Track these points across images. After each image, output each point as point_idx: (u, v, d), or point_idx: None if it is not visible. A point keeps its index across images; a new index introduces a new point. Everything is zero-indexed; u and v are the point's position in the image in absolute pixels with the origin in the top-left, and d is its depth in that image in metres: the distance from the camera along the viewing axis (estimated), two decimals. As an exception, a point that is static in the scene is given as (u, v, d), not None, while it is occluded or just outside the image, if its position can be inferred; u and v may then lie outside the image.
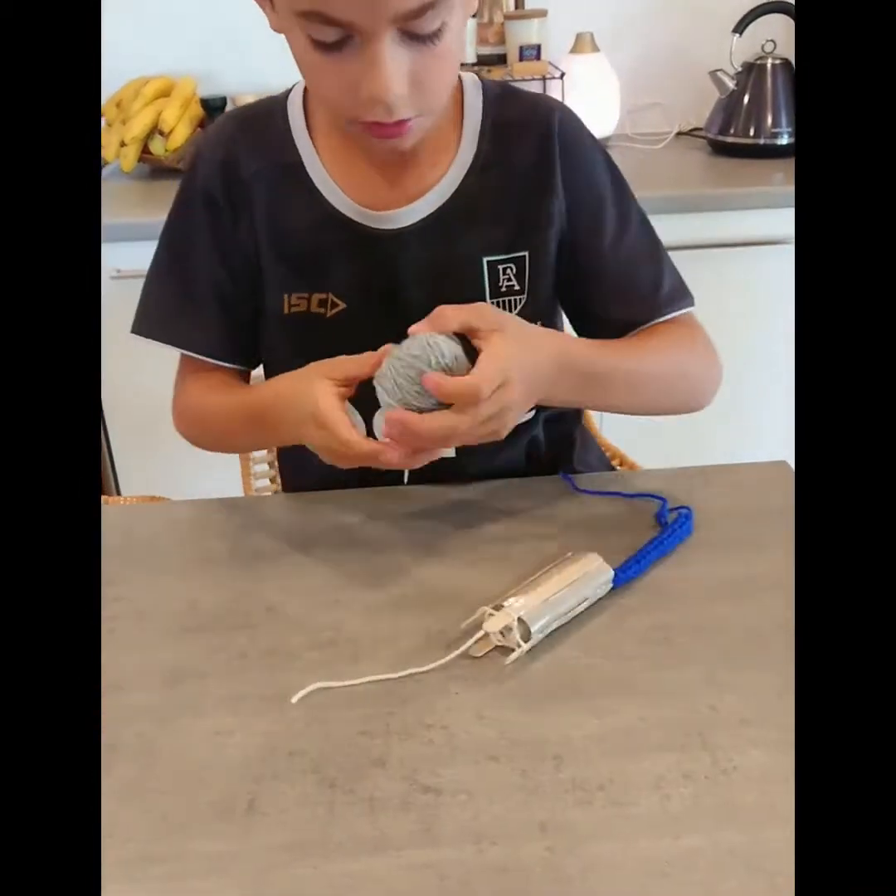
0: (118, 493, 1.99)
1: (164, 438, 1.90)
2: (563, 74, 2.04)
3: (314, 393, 0.80)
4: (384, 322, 0.93)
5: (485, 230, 0.93)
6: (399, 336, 0.93)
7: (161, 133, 1.98)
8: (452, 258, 0.93)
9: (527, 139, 0.93)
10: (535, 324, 0.94)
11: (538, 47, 2.05)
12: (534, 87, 2.13)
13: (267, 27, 0.82)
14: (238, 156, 0.93)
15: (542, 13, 2.06)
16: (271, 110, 0.95)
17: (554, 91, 2.09)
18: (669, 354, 0.95)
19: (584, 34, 2.08)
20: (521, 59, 2.05)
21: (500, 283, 0.94)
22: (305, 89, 0.95)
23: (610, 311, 0.97)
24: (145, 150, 2.01)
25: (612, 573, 0.80)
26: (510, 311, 0.95)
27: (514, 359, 0.78)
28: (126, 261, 1.80)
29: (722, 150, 2.07)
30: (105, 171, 2.14)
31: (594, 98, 2.11)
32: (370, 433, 0.99)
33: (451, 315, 0.78)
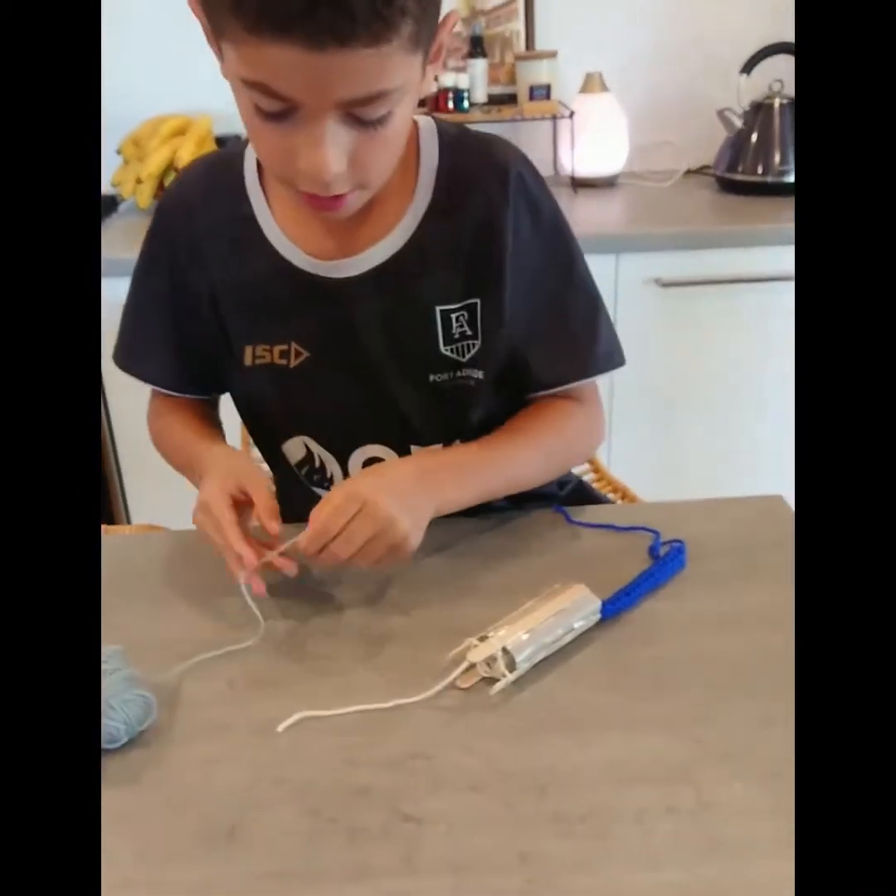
0: (128, 521, 2.01)
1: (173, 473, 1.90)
2: (572, 113, 2.07)
3: (209, 488, 0.85)
4: (348, 369, 0.96)
5: (437, 278, 0.93)
6: (362, 382, 0.96)
7: (176, 170, 2.01)
8: (405, 306, 0.93)
9: (481, 188, 0.91)
10: (488, 370, 0.96)
11: (548, 87, 2.08)
12: (545, 126, 2.16)
13: None
14: (194, 206, 0.95)
15: (552, 54, 2.09)
16: (230, 160, 0.96)
17: (564, 129, 2.12)
18: (540, 436, 0.97)
19: (593, 74, 2.11)
20: (531, 99, 2.08)
21: (453, 331, 0.94)
22: None
23: (538, 363, 0.97)
24: (161, 186, 2.04)
25: (599, 604, 0.80)
26: (464, 355, 0.95)
27: (360, 482, 0.83)
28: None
29: (730, 187, 2.08)
30: (121, 208, 2.18)
31: (603, 136, 2.13)
32: (345, 474, 1.02)
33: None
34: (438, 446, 1.00)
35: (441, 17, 0.78)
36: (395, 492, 0.82)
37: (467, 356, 0.95)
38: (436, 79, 0.97)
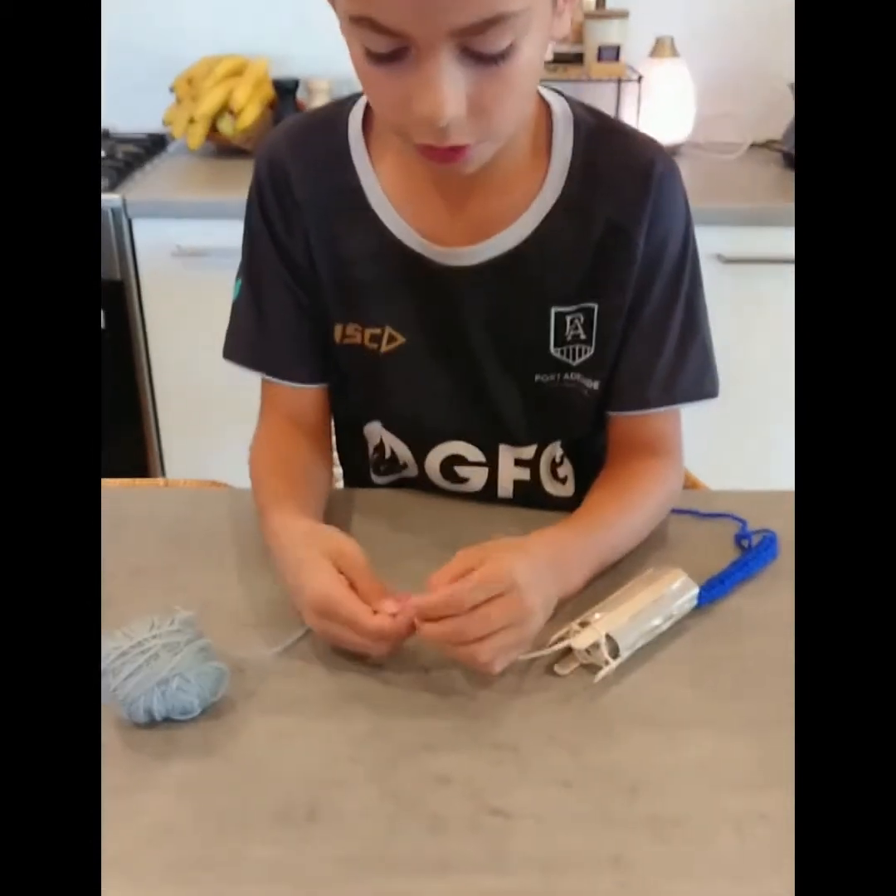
0: (163, 474, 1.98)
1: (213, 424, 1.90)
2: (640, 78, 2.00)
3: (318, 582, 0.72)
4: (444, 359, 0.90)
5: (557, 278, 0.86)
6: (458, 374, 0.90)
7: (231, 112, 1.96)
8: (519, 303, 0.87)
9: (618, 186, 0.84)
10: (600, 377, 0.90)
11: (617, 48, 2.01)
12: (610, 89, 2.10)
13: None
14: (290, 177, 0.87)
15: (623, 14, 2.02)
16: (332, 123, 0.88)
17: (630, 94, 2.06)
18: (644, 505, 0.89)
19: (664, 38, 2.04)
20: (599, 60, 2.01)
21: (567, 333, 0.88)
22: (367, 106, 0.87)
23: (619, 381, 0.91)
24: (213, 128, 1.99)
25: (696, 591, 0.77)
26: (574, 359, 0.89)
27: (515, 564, 0.71)
28: (186, 238, 1.79)
29: (797, 164, 2.02)
30: (171, 148, 2.13)
31: (670, 104, 2.07)
32: (421, 468, 0.96)
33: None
34: (533, 448, 0.95)
35: None
36: (540, 580, 0.72)
37: (577, 361, 0.89)
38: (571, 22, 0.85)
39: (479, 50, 0.66)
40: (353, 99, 0.89)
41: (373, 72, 0.70)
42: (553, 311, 0.87)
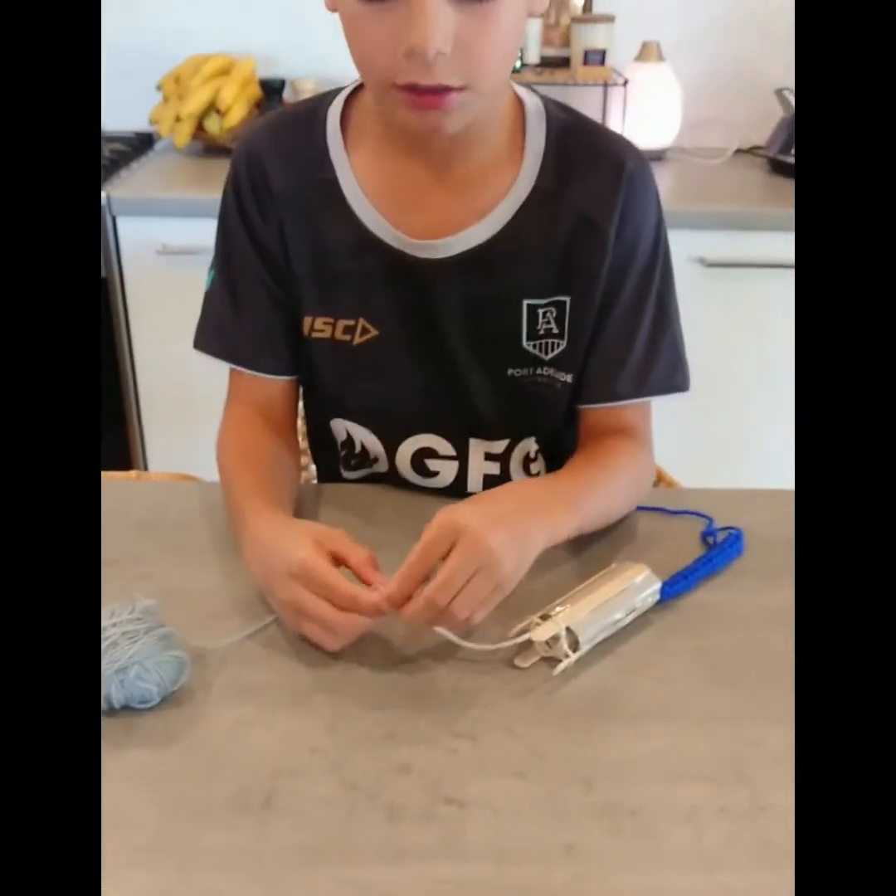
0: (145, 468, 1.98)
1: (194, 417, 1.89)
2: (626, 81, 2.01)
3: (297, 550, 0.72)
4: (418, 352, 0.91)
5: (529, 271, 0.87)
6: (431, 367, 0.90)
7: (217, 111, 1.96)
8: (492, 296, 0.88)
9: (589, 180, 0.85)
10: (572, 371, 0.91)
11: (603, 52, 2.02)
12: (596, 92, 2.11)
13: (328, 13, 0.78)
14: (267, 169, 0.88)
15: (609, 18, 2.03)
16: (310, 118, 0.89)
17: (616, 97, 2.06)
18: (620, 473, 0.89)
19: (650, 43, 2.05)
20: (585, 63, 2.02)
21: (539, 327, 0.89)
22: (346, 101, 0.89)
23: (590, 374, 0.91)
24: (200, 127, 1.99)
25: (659, 585, 0.77)
26: (547, 353, 0.90)
27: (461, 511, 0.71)
28: (172, 236, 1.80)
29: (782, 169, 2.03)
30: (158, 146, 2.13)
31: (656, 108, 2.07)
32: (391, 462, 0.96)
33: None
34: (504, 443, 0.95)
35: None
36: (497, 520, 0.71)
37: (550, 355, 0.90)
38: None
39: None
40: (331, 95, 0.90)
41: (364, 12, 0.72)
42: (525, 303, 0.88)
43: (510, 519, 0.73)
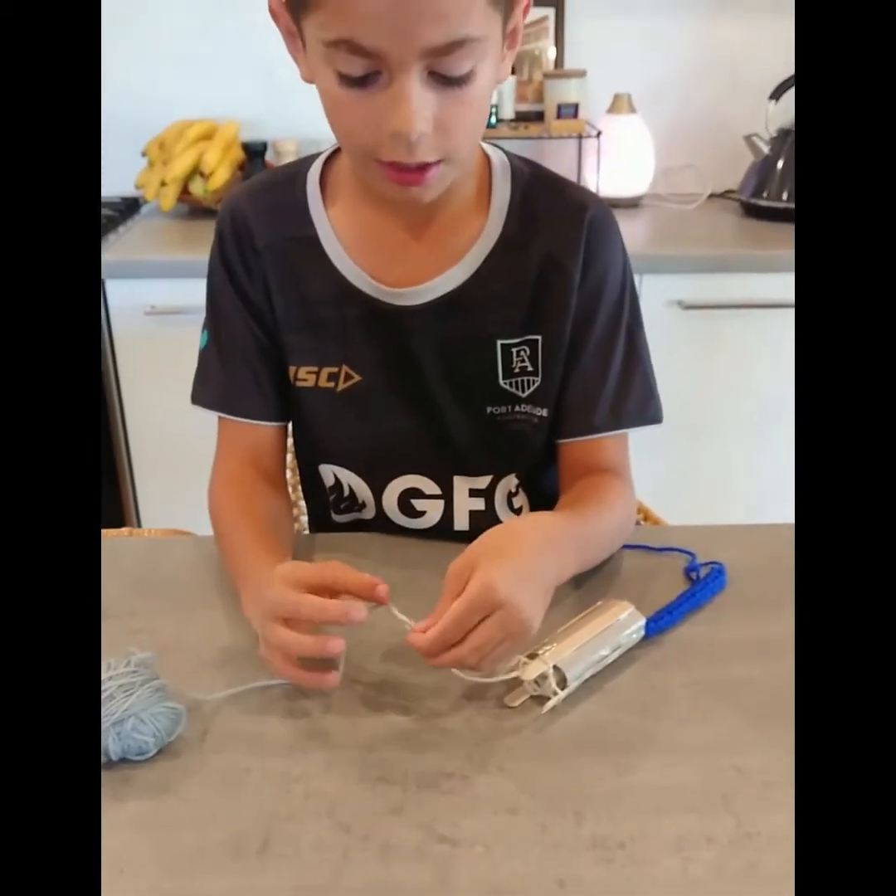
0: (139, 526, 1.99)
1: (186, 473, 1.91)
2: (599, 133, 2.06)
3: (269, 591, 0.73)
4: (400, 395, 0.94)
5: (500, 312, 0.91)
6: (414, 409, 0.93)
7: (202, 174, 2.01)
8: (467, 338, 0.92)
9: (554, 228, 0.90)
10: (548, 405, 0.94)
11: (576, 106, 2.08)
12: (571, 144, 2.16)
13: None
14: (250, 228, 0.92)
15: (581, 73, 2.10)
16: (291, 180, 0.94)
17: (590, 149, 2.12)
18: (612, 510, 0.91)
19: (621, 95, 2.11)
20: (558, 117, 2.08)
21: (514, 365, 0.93)
22: (324, 163, 0.93)
23: (566, 408, 0.95)
24: (185, 190, 2.04)
25: (643, 622, 0.79)
26: (523, 391, 0.94)
27: (500, 576, 0.71)
28: (160, 297, 1.83)
29: (754, 212, 2.08)
30: (144, 210, 2.18)
31: (629, 157, 2.14)
32: (379, 504, 0.99)
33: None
34: (487, 479, 0.98)
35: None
36: (531, 583, 0.73)
37: (527, 392, 0.94)
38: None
39: (445, 72, 0.74)
40: (310, 159, 0.95)
41: (345, 96, 0.75)
42: (499, 344, 0.92)
43: (540, 575, 0.75)
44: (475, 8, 0.72)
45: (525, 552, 0.76)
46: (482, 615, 0.70)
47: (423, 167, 0.78)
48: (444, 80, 0.74)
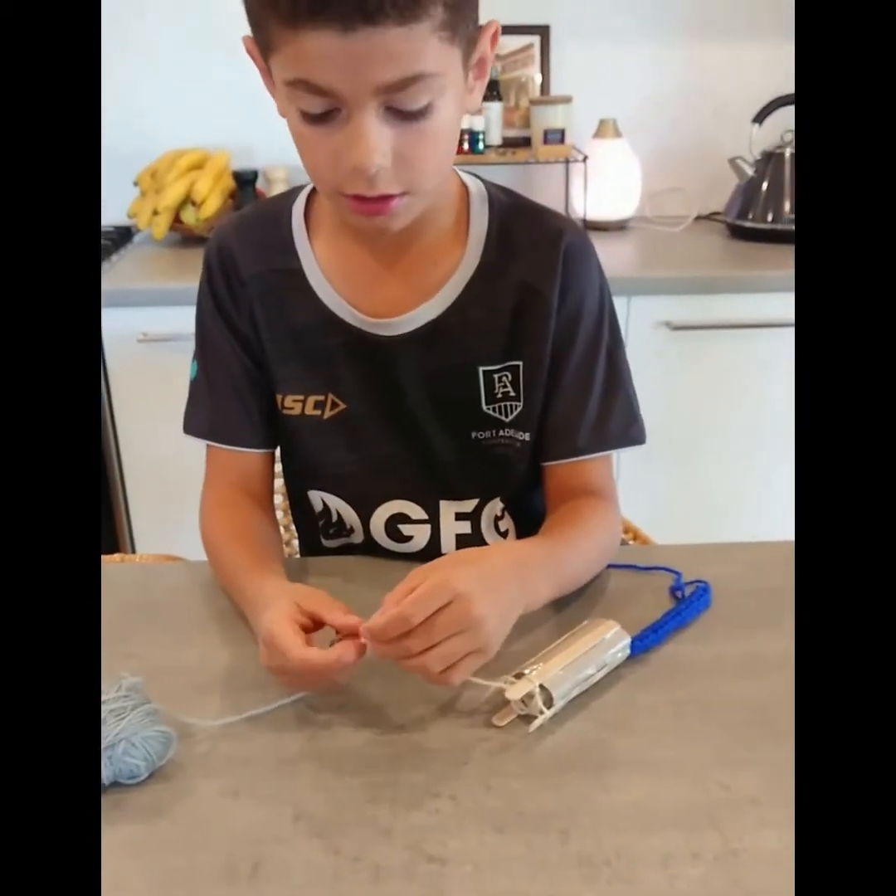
0: (133, 552, 2.00)
1: (180, 499, 1.91)
2: (585, 158, 2.09)
3: (266, 618, 0.75)
4: (385, 421, 0.96)
5: (480, 340, 0.93)
6: (399, 436, 0.95)
7: (193, 203, 2.03)
8: (449, 366, 0.94)
9: (531, 256, 0.92)
10: (531, 429, 0.96)
11: (562, 131, 2.11)
12: (558, 169, 2.19)
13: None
14: (236, 261, 0.94)
15: (567, 99, 2.12)
16: (276, 213, 0.96)
17: (577, 173, 2.15)
18: (593, 533, 0.93)
19: (607, 120, 2.14)
20: (545, 142, 2.10)
21: (496, 391, 0.95)
22: (308, 196, 0.96)
23: (551, 436, 0.96)
24: (177, 219, 2.06)
25: (629, 640, 0.80)
26: (506, 415, 0.96)
27: (453, 571, 0.73)
28: (152, 325, 1.84)
29: (740, 234, 2.11)
30: (136, 239, 2.20)
31: (616, 181, 2.16)
32: (366, 529, 1.00)
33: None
34: (473, 502, 0.99)
35: (482, 24, 0.80)
36: (490, 588, 0.73)
37: (510, 417, 0.96)
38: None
39: (401, 107, 0.75)
40: (295, 193, 0.97)
41: (308, 133, 0.77)
42: (481, 370, 0.94)
43: (503, 588, 0.76)
44: (427, 46, 0.72)
45: (490, 566, 0.77)
46: (436, 605, 0.70)
47: (387, 197, 0.79)
48: (401, 115, 0.75)
